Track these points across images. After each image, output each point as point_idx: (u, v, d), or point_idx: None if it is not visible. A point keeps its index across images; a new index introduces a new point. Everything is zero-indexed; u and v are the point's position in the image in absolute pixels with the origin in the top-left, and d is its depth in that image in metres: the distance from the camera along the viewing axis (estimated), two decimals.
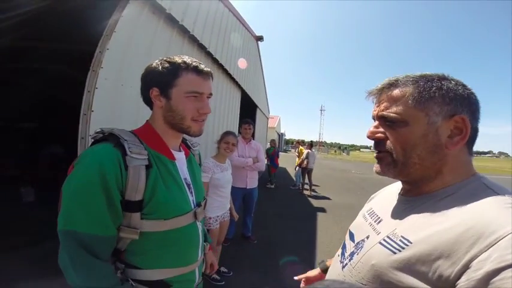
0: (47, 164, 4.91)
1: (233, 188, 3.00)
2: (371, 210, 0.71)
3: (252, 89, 7.41)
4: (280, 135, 24.90)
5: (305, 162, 7.43)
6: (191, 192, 0.89)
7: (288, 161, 8.27)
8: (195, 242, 0.89)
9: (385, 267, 0.51)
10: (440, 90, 0.53)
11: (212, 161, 2.31)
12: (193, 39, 3.02)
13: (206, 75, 0.82)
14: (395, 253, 0.50)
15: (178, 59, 0.80)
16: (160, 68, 0.79)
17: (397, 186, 0.71)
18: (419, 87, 0.54)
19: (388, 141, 0.58)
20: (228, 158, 2.96)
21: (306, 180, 7.56)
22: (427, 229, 0.49)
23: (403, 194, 0.64)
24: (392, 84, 0.58)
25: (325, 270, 1.02)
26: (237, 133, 4.22)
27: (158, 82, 0.79)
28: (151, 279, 0.78)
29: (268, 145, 8.38)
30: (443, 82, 0.54)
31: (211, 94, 0.87)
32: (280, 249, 3.33)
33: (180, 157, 0.89)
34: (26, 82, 5.28)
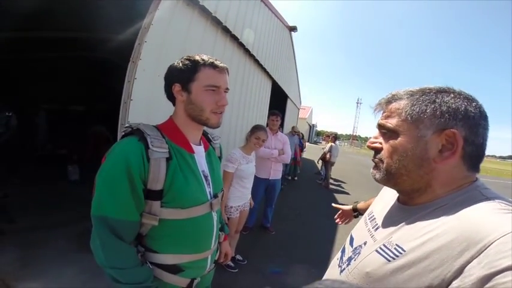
0: (92, 145, 5.41)
1: (256, 178, 3.01)
2: (372, 215, 0.72)
3: (284, 79, 7.30)
4: (312, 127, 24.30)
5: (328, 155, 7.13)
6: (208, 184, 0.95)
7: (317, 154, 8.09)
8: (209, 231, 0.95)
9: (380, 275, 0.52)
10: (432, 103, 0.54)
11: (239, 151, 2.34)
12: (226, 30, 3.06)
13: (222, 69, 0.88)
14: (389, 261, 0.51)
15: (197, 57, 0.87)
16: (180, 65, 0.87)
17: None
18: (413, 101, 0.56)
19: (382, 150, 0.60)
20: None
21: (332, 175, 7.28)
22: (420, 238, 0.49)
23: (400, 201, 0.65)
24: (393, 98, 0.61)
25: (355, 210, 1.26)
26: (265, 123, 4.25)
27: (179, 78, 0.87)
28: (166, 263, 0.86)
29: None
30: (438, 95, 0.54)
31: (227, 89, 0.92)
32: (297, 244, 3.32)
33: (199, 150, 0.95)
34: (75, 69, 5.82)
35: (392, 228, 0.58)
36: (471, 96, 0.55)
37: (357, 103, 72.32)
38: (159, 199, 0.82)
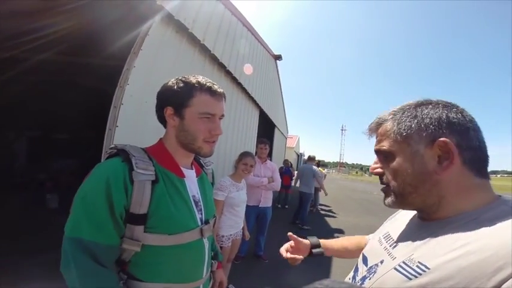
0: (72, 173, 5.23)
1: (247, 206, 3.03)
2: (387, 234, 0.69)
3: (271, 108, 7.50)
4: (299, 155, 24.62)
5: None
6: (199, 210, 0.90)
7: None
8: (200, 258, 0.88)
9: None
10: (415, 118, 0.54)
11: (229, 179, 2.33)
12: (213, 58, 3.17)
13: (219, 96, 0.85)
14: (411, 279, 0.48)
15: (193, 79, 0.83)
16: (175, 87, 0.82)
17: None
18: (395, 120, 0.57)
19: (385, 175, 0.60)
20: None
21: (321, 201, 7.30)
22: (446, 254, 0.46)
23: (420, 217, 0.62)
24: (378, 122, 0.61)
25: (315, 246, 1.00)
26: (254, 152, 4.26)
27: (173, 102, 0.82)
28: None
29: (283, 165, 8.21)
30: (418, 109, 0.55)
31: (223, 115, 0.89)
32: (291, 270, 3.17)
33: (189, 175, 0.90)
34: (58, 94, 5.71)
35: (413, 245, 0.55)
36: (450, 103, 0.55)
37: (342, 130, 74.92)
38: (142, 224, 0.75)
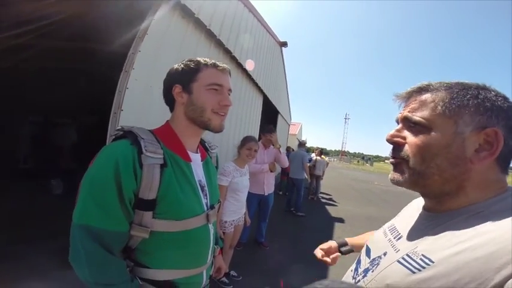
0: (77, 159, 5.26)
1: (249, 193, 3.01)
2: (393, 227, 0.67)
3: (274, 94, 7.43)
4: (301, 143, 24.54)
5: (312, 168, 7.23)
6: (205, 195, 0.90)
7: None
8: (205, 244, 0.89)
9: (403, 287, 0.47)
10: (475, 98, 0.49)
11: (232, 164, 2.33)
12: (219, 44, 3.12)
13: (224, 69, 0.86)
14: (414, 273, 0.47)
15: (198, 58, 0.86)
16: (182, 66, 0.85)
17: (421, 201, 0.67)
18: (453, 93, 0.51)
19: (406, 147, 0.54)
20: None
21: (322, 189, 7.34)
22: (451, 248, 0.45)
23: (426, 209, 0.59)
24: (424, 89, 0.55)
25: (342, 245, 0.99)
26: (257, 137, 4.26)
27: (180, 79, 0.84)
28: (158, 279, 0.79)
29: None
30: (480, 91, 0.50)
31: (230, 90, 0.88)
32: (291, 257, 3.27)
33: (195, 158, 0.90)
34: (62, 80, 5.68)
35: (417, 237, 0.53)
36: (507, 97, 0.51)
37: (345, 119, 74.26)
38: (151, 209, 0.74)
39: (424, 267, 0.46)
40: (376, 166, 63.18)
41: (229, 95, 0.88)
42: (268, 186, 3.34)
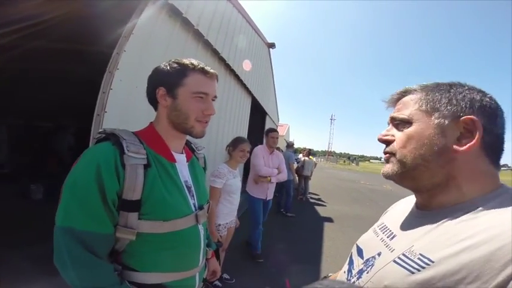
0: (56, 163, 5.05)
1: (254, 198, 3.13)
2: (383, 225, 0.67)
3: (262, 95, 7.44)
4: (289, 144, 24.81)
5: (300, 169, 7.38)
6: (192, 195, 0.88)
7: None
8: (196, 245, 0.87)
9: None
10: (447, 92, 0.54)
11: (226, 166, 2.29)
12: (207, 44, 3.07)
13: (212, 76, 0.84)
14: (413, 273, 0.46)
15: (186, 60, 0.83)
16: (168, 68, 0.82)
17: (411, 199, 0.68)
18: (427, 91, 0.56)
19: (394, 142, 0.58)
20: (256, 167, 3.08)
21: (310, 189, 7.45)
22: (451, 246, 0.44)
23: (419, 207, 0.60)
24: (406, 91, 0.60)
25: None
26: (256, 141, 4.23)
27: (165, 82, 0.81)
28: (148, 283, 0.76)
29: None
30: (452, 86, 0.55)
31: (215, 97, 0.88)
32: (284, 258, 3.26)
33: (180, 159, 0.89)
34: (42, 82, 5.45)
35: (412, 236, 0.53)
36: (484, 90, 0.54)
37: (331, 119, 75.60)
38: (135, 210, 0.73)
39: (423, 267, 0.45)
40: (361, 165, 64.73)
41: (213, 100, 0.87)
42: (270, 192, 3.28)
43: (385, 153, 0.60)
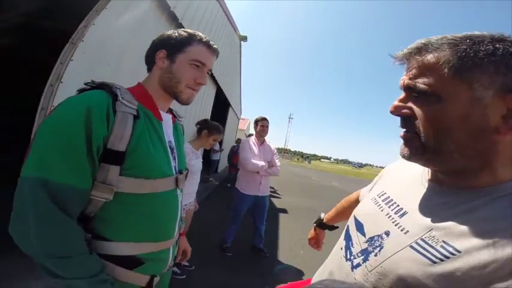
0: None
1: (243, 194, 2.89)
2: (385, 196, 0.57)
3: (228, 86, 7.40)
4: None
5: None
6: (174, 158, 0.86)
7: None
8: (174, 212, 0.83)
9: (421, 280, 0.40)
10: (492, 55, 0.39)
11: (189, 146, 2.20)
12: (180, 28, 2.98)
13: (214, 51, 0.87)
14: (435, 263, 0.39)
15: (195, 32, 0.85)
16: (176, 34, 0.83)
17: (413, 165, 0.54)
18: (460, 52, 0.41)
19: (417, 121, 0.45)
20: (242, 161, 2.83)
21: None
22: (482, 236, 0.38)
23: (437, 181, 0.50)
24: (422, 48, 0.45)
25: (322, 225, 1.10)
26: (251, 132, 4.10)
27: (169, 45, 0.82)
28: (121, 254, 0.69)
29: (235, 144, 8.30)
30: (497, 45, 0.39)
31: (210, 70, 0.91)
32: (240, 247, 3.34)
33: (167, 119, 0.88)
34: None
35: (431, 217, 0.45)
36: None
37: (289, 118, 78.45)
38: (118, 164, 0.66)
39: (448, 257, 0.39)
40: (313, 164, 68.90)
41: (208, 73, 0.89)
42: (264, 187, 2.96)
43: (405, 130, 0.48)
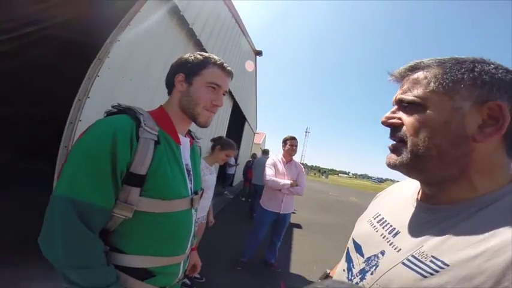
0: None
1: (264, 210, 2.91)
2: (380, 217, 0.61)
3: (244, 101, 7.54)
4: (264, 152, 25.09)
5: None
6: (190, 179, 0.91)
7: None
8: (187, 230, 0.88)
9: None
10: (471, 72, 0.45)
11: (203, 162, 2.27)
12: (198, 44, 3.13)
13: (228, 73, 0.92)
14: (426, 277, 0.41)
15: (209, 55, 0.90)
16: (192, 57, 0.89)
17: (409, 187, 0.62)
18: (445, 68, 0.47)
19: (404, 128, 0.50)
20: (264, 177, 2.85)
21: None
22: (467, 248, 0.40)
23: (424, 200, 0.54)
24: (416, 67, 0.51)
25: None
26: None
27: (186, 69, 0.88)
28: (134, 266, 0.74)
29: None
30: (476, 64, 0.45)
31: (226, 92, 0.95)
32: (252, 260, 3.28)
33: (185, 142, 0.92)
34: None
35: (420, 235, 0.47)
36: (511, 69, 0.46)
37: (306, 132, 77.76)
38: (139, 186, 0.73)
39: (437, 271, 0.40)
40: (330, 178, 67.13)
41: (224, 95, 0.93)
42: (286, 205, 2.91)
43: (393, 138, 0.52)
